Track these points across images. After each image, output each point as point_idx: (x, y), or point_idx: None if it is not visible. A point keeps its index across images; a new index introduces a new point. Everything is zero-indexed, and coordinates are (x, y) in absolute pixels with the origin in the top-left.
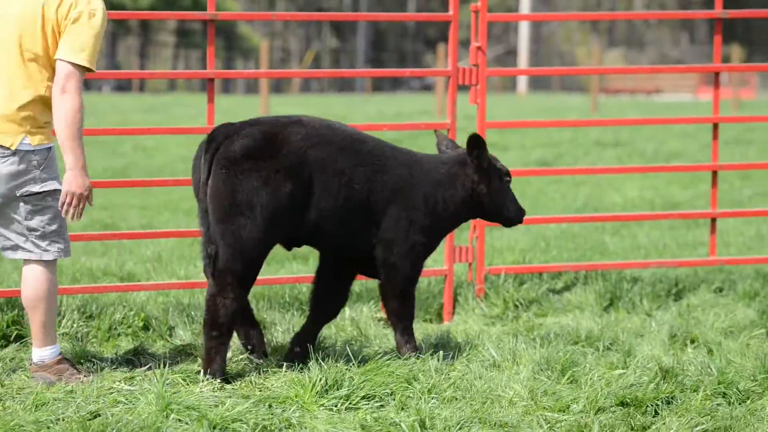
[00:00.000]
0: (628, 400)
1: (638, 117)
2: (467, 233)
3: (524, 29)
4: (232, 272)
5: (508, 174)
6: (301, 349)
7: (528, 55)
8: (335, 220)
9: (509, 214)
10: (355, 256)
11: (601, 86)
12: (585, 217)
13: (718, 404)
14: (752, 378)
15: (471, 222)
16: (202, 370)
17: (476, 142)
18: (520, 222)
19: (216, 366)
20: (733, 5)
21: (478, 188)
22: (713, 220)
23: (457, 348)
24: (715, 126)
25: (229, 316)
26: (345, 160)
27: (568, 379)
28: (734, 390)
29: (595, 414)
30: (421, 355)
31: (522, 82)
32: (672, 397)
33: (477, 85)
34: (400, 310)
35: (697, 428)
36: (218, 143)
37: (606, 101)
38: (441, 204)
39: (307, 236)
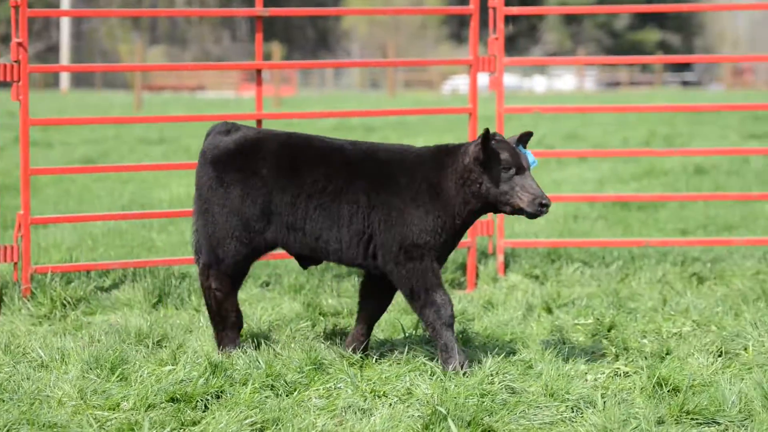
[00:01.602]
0: (179, 396)
1: (182, 114)
2: (12, 232)
3: (65, 25)
4: (211, 265)
5: (510, 164)
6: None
7: (70, 52)
8: (315, 236)
9: (520, 204)
10: (353, 265)
11: (145, 83)
12: (132, 214)
13: (266, 396)
14: (299, 370)
15: (17, 220)
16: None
17: (484, 134)
18: (539, 213)
19: (224, 344)
20: (272, 4)
21: (471, 177)
22: None
23: (2, 349)
24: (259, 122)
25: (219, 303)
26: (316, 175)
27: (118, 377)
28: (282, 382)
29: (146, 411)
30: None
31: (64, 78)
32: (222, 391)
33: (18, 82)
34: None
35: (247, 421)
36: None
37: (150, 98)
38: (425, 198)
39: (292, 246)
